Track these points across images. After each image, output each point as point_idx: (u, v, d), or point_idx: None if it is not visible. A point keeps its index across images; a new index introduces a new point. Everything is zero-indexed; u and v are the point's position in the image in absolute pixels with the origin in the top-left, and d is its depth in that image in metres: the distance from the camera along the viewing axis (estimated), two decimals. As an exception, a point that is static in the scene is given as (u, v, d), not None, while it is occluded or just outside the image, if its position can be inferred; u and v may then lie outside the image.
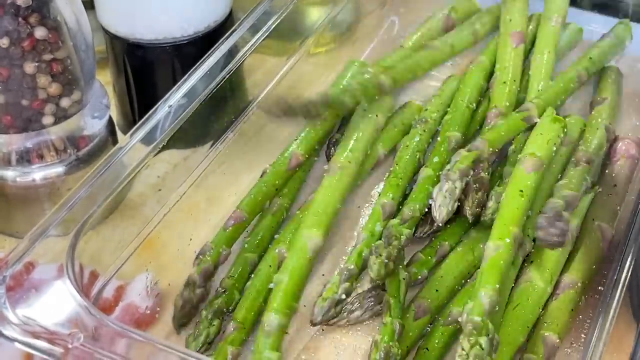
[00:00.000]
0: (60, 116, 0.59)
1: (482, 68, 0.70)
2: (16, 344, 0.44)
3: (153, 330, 0.54)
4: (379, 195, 0.59)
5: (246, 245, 0.57)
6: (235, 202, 0.62)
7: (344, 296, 0.52)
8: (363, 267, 0.54)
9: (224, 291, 0.53)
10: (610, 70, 0.72)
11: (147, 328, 0.54)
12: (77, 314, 0.46)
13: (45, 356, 0.43)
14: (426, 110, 0.66)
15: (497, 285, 0.51)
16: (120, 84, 0.70)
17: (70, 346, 0.43)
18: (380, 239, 0.55)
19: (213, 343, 0.51)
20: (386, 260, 0.52)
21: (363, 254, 0.54)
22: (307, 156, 0.62)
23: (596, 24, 0.78)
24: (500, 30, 0.73)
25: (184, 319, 0.52)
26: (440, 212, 0.56)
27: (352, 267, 0.53)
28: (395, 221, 0.56)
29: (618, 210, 0.59)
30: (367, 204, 0.62)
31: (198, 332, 0.51)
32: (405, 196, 0.59)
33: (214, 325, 0.51)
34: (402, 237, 0.54)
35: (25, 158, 0.60)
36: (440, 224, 0.56)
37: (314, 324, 0.51)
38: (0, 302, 0.45)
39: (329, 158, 0.64)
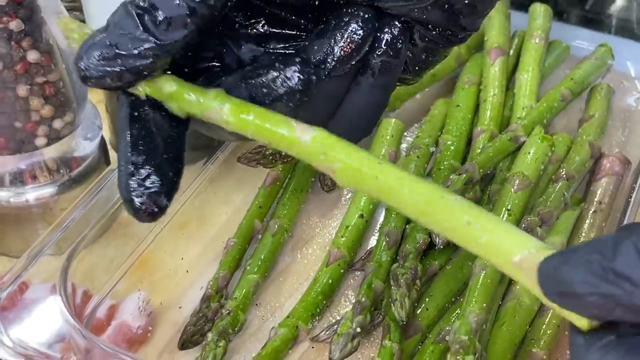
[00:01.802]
0: (53, 137, 0.59)
1: (467, 92, 0.70)
2: (10, 367, 0.44)
3: (145, 350, 0.54)
4: (381, 224, 0.60)
5: (248, 267, 0.58)
6: (226, 221, 0.63)
7: (359, 329, 0.51)
8: (375, 298, 0.54)
9: (229, 313, 0.54)
10: (600, 88, 0.73)
11: (140, 347, 0.54)
12: (70, 335, 0.46)
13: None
14: (418, 137, 0.67)
15: (484, 304, 0.52)
16: (112, 103, 0.70)
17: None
18: (387, 268, 0.56)
19: None
20: (407, 299, 0.53)
21: (373, 285, 0.54)
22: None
23: (582, 39, 0.79)
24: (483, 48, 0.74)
25: (194, 335, 0.53)
26: (440, 235, 0.57)
27: (364, 299, 0.53)
28: (411, 254, 0.56)
29: (603, 227, 0.60)
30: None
31: (205, 354, 0.51)
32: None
33: (220, 346, 0.52)
34: (418, 271, 0.55)
35: (18, 179, 0.60)
36: (441, 247, 0.57)
37: None
38: (-6, 326, 0.46)
39: (322, 183, 0.65)
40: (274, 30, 0.46)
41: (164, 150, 0.42)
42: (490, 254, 0.36)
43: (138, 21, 0.40)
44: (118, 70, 0.40)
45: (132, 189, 0.40)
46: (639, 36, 0.81)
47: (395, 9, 0.44)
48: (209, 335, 0.53)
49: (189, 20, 0.40)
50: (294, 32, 0.46)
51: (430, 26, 0.45)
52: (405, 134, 0.69)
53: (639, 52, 0.79)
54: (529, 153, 0.62)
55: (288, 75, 0.43)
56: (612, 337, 0.32)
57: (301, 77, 0.43)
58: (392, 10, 0.44)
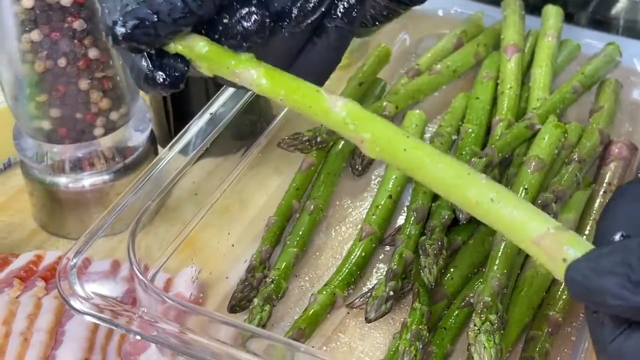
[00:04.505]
0: (110, 128, 0.65)
1: (486, 85, 0.76)
2: (86, 316, 0.50)
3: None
4: (409, 202, 0.65)
5: (288, 242, 0.63)
6: (265, 203, 0.69)
7: (391, 293, 0.57)
8: (405, 266, 0.60)
9: (272, 281, 0.60)
10: (609, 82, 0.78)
11: (193, 313, 0.60)
12: (137, 293, 0.52)
13: (111, 326, 0.50)
14: (440, 126, 0.73)
15: (505, 271, 0.58)
16: (156, 99, 0.76)
17: (135, 317, 0.49)
18: (416, 241, 0.62)
19: (265, 326, 0.57)
20: (435, 266, 0.59)
21: (404, 255, 0.60)
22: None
23: (591, 39, 0.85)
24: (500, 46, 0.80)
25: (241, 301, 0.59)
26: (463, 211, 0.62)
27: (396, 267, 0.59)
28: (437, 228, 0.61)
29: (612, 206, 0.66)
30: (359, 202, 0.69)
31: (252, 316, 0.57)
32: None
33: (265, 310, 0.57)
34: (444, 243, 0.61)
35: (77, 166, 0.66)
36: (465, 222, 0.62)
37: (368, 321, 0.57)
38: (70, 280, 0.52)
39: (353, 168, 0.71)
40: None
41: None
42: (510, 230, 0.40)
43: None
44: (153, 36, 0.44)
45: (152, 65, 0.44)
46: (645, 36, 0.86)
47: None
48: (255, 300, 0.58)
49: None
50: None
51: None
52: (428, 125, 0.75)
53: (645, 50, 0.85)
54: (544, 138, 0.67)
55: (244, 14, 0.46)
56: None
57: (257, 18, 0.46)
58: None
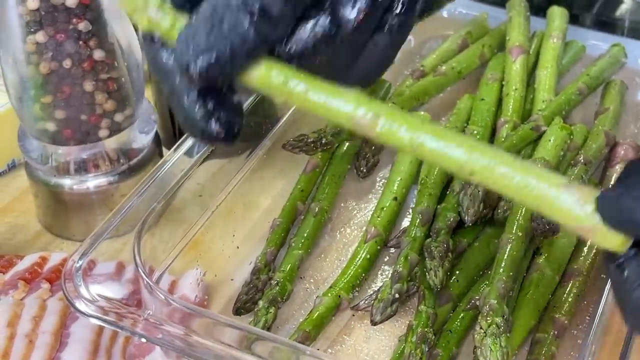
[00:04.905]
0: (115, 129, 0.65)
1: (491, 87, 0.76)
2: (91, 319, 0.50)
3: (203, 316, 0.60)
4: (415, 204, 0.65)
5: (293, 244, 0.63)
6: (270, 205, 0.69)
7: (397, 295, 0.57)
8: (410, 269, 0.60)
9: (277, 283, 0.59)
10: (615, 83, 0.78)
11: (198, 315, 0.60)
12: (142, 294, 0.52)
13: (116, 329, 0.50)
14: (445, 127, 0.73)
15: (511, 273, 0.58)
16: (161, 101, 0.76)
17: (140, 319, 0.49)
18: (421, 243, 0.61)
19: (270, 328, 0.57)
20: (441, 269, 0.59)
21: (409, 257, 0.60)
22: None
23: (596, 41, 0.85)
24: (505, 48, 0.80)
25: (246, 303, 0.59)
26: (469, 213, 0.62)
27: (401, 269, 0.59)
28: (442, 231, 0.61)
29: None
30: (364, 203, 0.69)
31: (257, 318, 0.57)
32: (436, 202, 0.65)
33: (270, 312, 0.57)
34: (450, 245, 0.61)
35: (82, 167, 0.66)
36: (470, 224, 0.62)
37: (374, 323, 0.57)
38: (76, 283, 0.52)
39: (358, 170, 0.71)
40: None
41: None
42: (533, 188, 0.39)
43: (250, 20, 0.40)
44: (228, 71, 0.41)
45: (205, 113, 0.42)
46: (650, 37, 0.86)
47: None
48: (260, 302, 0.58)
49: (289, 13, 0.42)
50: None
51: None
52: (433, 127, 0.75)
53: (651, 51, 0.85)
54: (550, 140, 0.67)
55: (316, 24, 0.43)
56: None
57: (328, 27, 0.43)
58: None
